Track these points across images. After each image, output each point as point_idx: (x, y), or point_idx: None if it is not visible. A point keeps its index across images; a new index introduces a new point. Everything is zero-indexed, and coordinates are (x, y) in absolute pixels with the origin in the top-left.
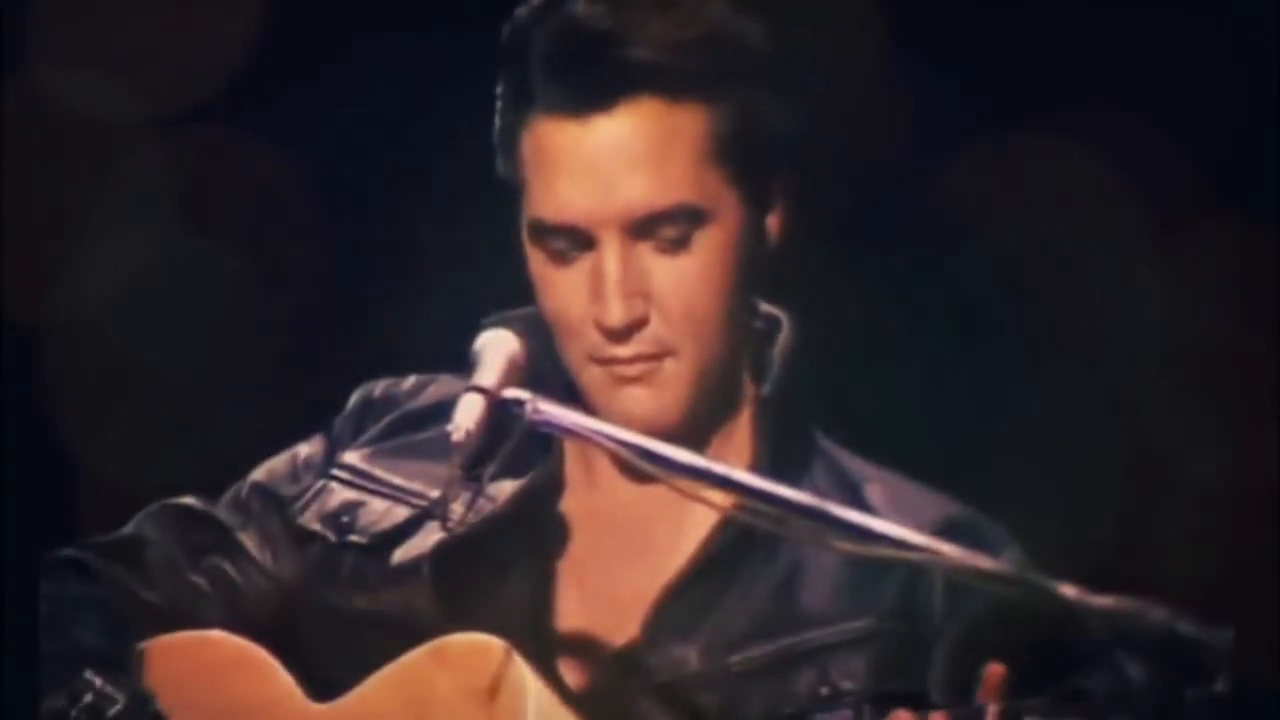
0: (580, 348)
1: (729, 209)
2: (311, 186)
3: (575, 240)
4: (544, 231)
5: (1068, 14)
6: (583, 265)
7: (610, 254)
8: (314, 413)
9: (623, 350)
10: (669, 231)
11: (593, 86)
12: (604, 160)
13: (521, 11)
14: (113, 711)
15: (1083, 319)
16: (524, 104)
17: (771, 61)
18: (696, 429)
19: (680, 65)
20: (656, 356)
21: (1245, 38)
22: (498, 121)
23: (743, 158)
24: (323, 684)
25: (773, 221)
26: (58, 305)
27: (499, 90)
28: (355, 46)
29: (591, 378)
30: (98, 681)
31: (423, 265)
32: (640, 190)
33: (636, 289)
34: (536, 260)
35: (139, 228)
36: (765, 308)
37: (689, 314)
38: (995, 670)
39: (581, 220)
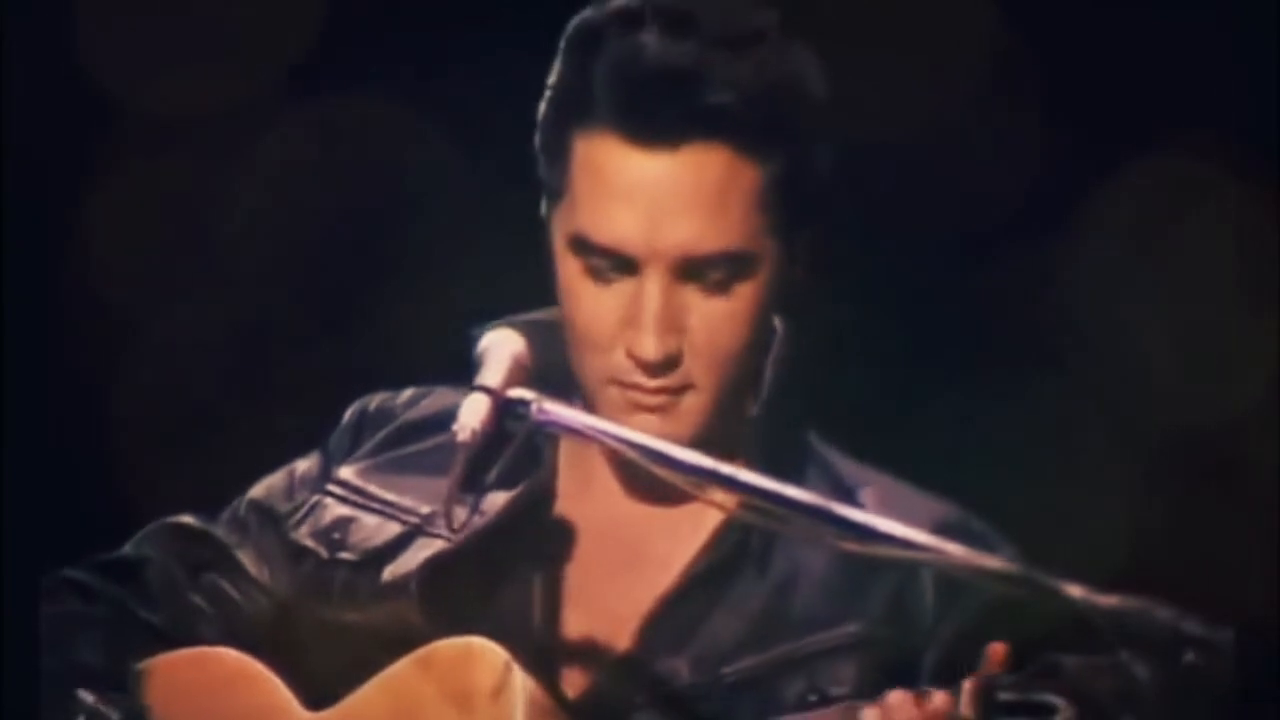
0: (602, 367)
1: (769, 257)
2: (311, 196)
3: (618, 263)
4: (586, 248)
5: (1069, 27)
6: (621, 288)
7: (654, 287)
8: (312, 426)
9: (649, 381)
10: (714, 275)
11: (666, 121)
12: (663, 195)
13: (592, 14)
14: None
15: (1081, 322)
16: (583, 112)
17: (825, 113)
18: (702, 448)
19: (754, 115)
20: (679, 390)
21: (1243, 36)
22: (544, 116)
23: (787, 207)
24: (320, 697)
25: (799, 265)
26: (57, 319)
27: (553, 83)
28: (359, 49)
29: (608, 398)
30: (90, 700)
31: (425, 277)
32: (696, 233)
33: (674, 325)
34: (570, 270)
35: (136, 240)
36: None
37: (717, 353)
38: (997, 649)
39: (630, 248)
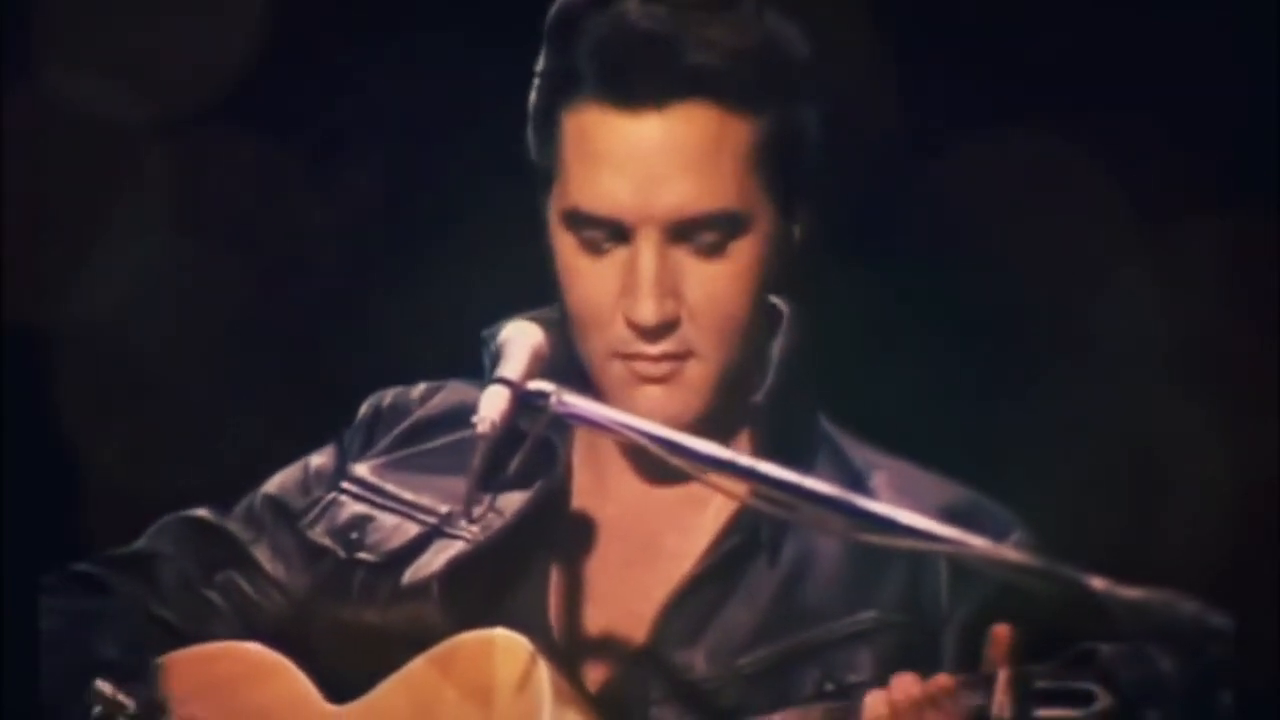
0: (604, 342)
1: (763, 218)
2: (319, 192)
3: (611, 232)
4: (580, 220)
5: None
6: (616, 258)
7: (648, 251)
8: (322, 421)
9: (650, 348)
10: (708, 236)
11: (649, 85)
12: (652, 158)
13: None
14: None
15: (1088, 309)
16: (570, 89)
17: (811, 73)
18: (708, 427)
19: (735, 73)
20: (681, 357)
21: (1243, 36)
22: (534, 102)
23: (779, 168)
24: (337, 694)
25: (797, 229)
26: (62, 314)
27: (540, 70)
28: (362, 50)
29: (612, 374)
30: (108, 690)
31: (434, 272)
32: (687, 193)
33: (670, 289)
34: (566, 247)
35: (143, 236)
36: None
37: (718, 319)
38: (1002, 632)
39: (622, 214)
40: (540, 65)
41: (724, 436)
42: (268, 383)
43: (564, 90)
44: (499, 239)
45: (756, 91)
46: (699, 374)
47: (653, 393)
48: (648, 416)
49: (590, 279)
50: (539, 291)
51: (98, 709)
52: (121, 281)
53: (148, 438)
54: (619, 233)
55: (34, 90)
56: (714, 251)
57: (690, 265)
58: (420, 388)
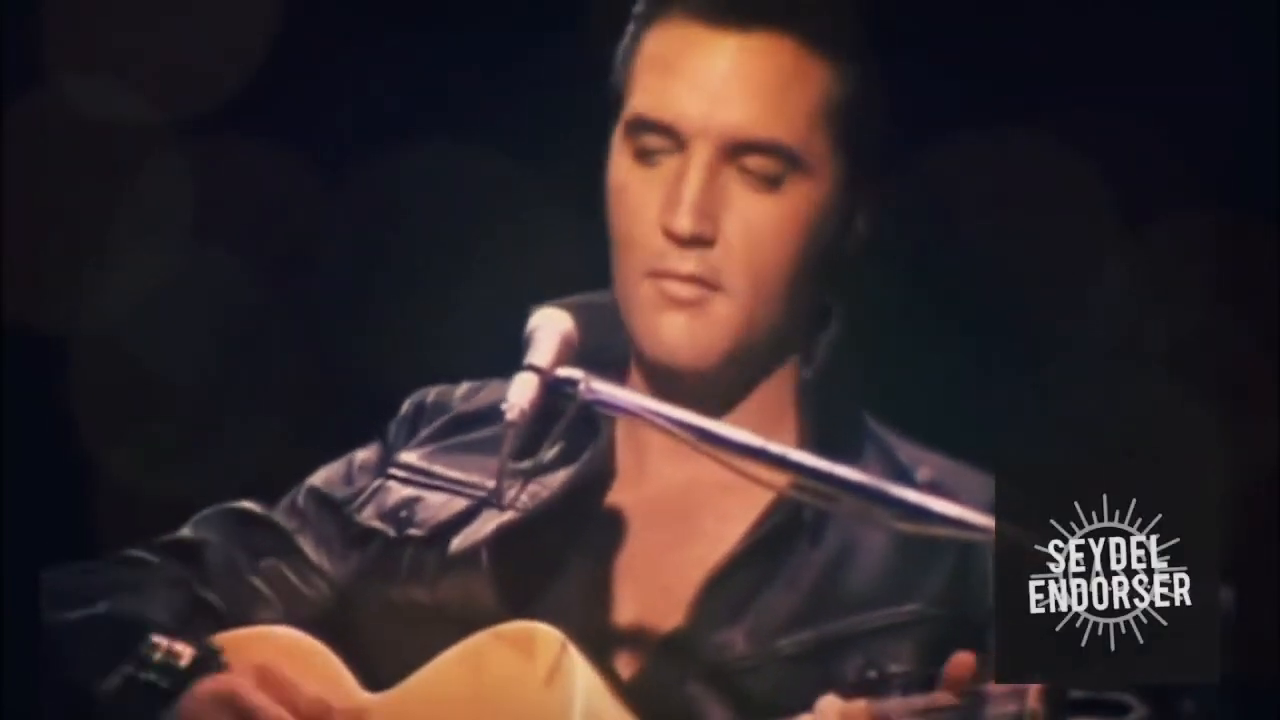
0: (638, 259)
1: (823, 174)
2: (330, 193)
3: (667, 140)
4: (639, 126)
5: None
6: (666, 170)
7: (698, 164)
8: (329, 423)
9: (680, 264)
10: (762, 165)
11: (740, 5)
12: (724, 75)
13: None
14: (183, 664)
15: (1123, 305)
16: (659, 11)
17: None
18: (733, 385)
19: (824, 15)
20: (709, 285)
21: (1239, 35)
22: (624, 43)
23: (848, 130)
24: (378, 682)
25: (860, 219)
26: (69, 317)
27: (634, 12)
28: (374, 49)
29: (642, 296)
30: (163, 642)
31: (455, 270)
32: (749, 115)
33: (711, 210)
34: (621, 163)
35: (162, 234)
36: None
37: (752, 255)
38: (964, 659)
39: (680, 122)
40: (636, 8)
41: (771, 419)
42: (277, 385)
43: (653, 14)
44: (526, 242)
45: (840, 38)
46: (725, 311)
47: (678, 320)
48: (672, 347)
49: (637, 192)
50: (554, 287)
51: (155, 657)
52: (130, 284)
53: (157, 441)
54: (673, 142)
55: (37, 92)
56: (769, 186)
57: (738, 194)
58: (463, 386)
